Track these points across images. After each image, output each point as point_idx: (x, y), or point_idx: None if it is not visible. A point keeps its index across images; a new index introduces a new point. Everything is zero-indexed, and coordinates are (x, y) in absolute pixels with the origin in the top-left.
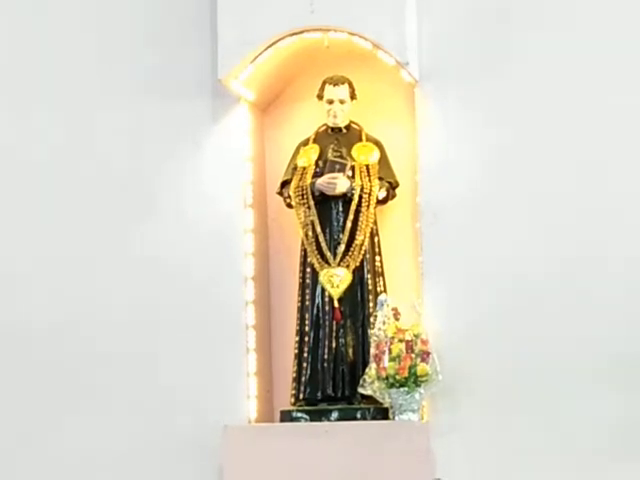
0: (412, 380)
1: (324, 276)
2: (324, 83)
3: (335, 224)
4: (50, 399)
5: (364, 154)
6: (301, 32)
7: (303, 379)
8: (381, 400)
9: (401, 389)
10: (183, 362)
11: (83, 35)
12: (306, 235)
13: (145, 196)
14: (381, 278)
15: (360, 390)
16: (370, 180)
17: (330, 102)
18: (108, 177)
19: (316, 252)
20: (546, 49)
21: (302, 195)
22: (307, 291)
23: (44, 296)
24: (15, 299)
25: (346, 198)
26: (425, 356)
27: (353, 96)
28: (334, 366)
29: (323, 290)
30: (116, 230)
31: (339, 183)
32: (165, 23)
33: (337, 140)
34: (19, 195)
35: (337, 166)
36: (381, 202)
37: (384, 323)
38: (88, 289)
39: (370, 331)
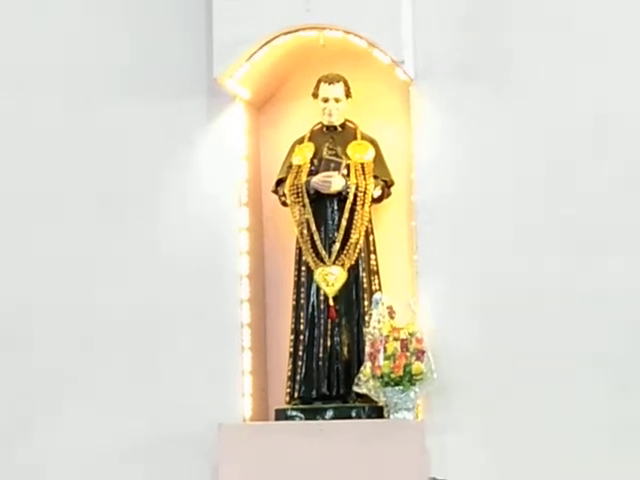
0: (407, 379)
1: (319, 274)
2: (319, 81)
3: (330, 222)
4: (46, 397)
5: (359, 152)
6: (296, 31)
7: (298, 377)
8: (376, 399)
9: (396, 388)
10: (178, 360)
11: (79, 35)
12: (301, 233)
13: (140, 195)
14: (376, 277)
15: (355, 389)
16: (365, 178)
17: (325, 100)
18: (104, 176)
19: (311, 250)
20: (541, 48)
21: (297, 193)
22: (302, 289)
23: (42, 294)
24: (13, 295)
25: (341, 196)
26: (420, 355)
27: (348, 94)
28: (329, 365)
29: (318, 288)
30: (111, 229)
31: (334, 181)
32: (160, 22)
33: (332, 138)
34: (17, 195)
35: (332, 164)
36: (376, 200)
37: (379, 322)
38: (85, 288)
39: (365, 330)
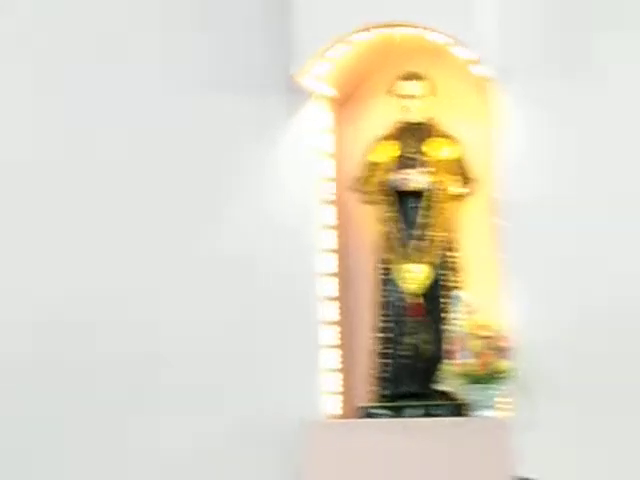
0: (490, 376)
1: (401, 272)
2: (399, 78)
3: (410, 220)
4: (127, 397)
5: (439, 150)
6: (374, 27)
7: (381, 375)
8: (459, 396)
9: (479, 385)
10: (260, 358)
11: (154, 32)
12: (382, 231)
13: (218, 193)
14: (459, 274)
15: (438, 386)
16: (445, 176)
17: (405, 97)
18: (184, 174)
19: (392, 248)
20: (629, 47)
21: (377, 191)
22: (384, 287)
23: (119, 293)
24: (87, 295)
25: (421, 194)
26: (504, 352)
27: (428, 92)
28: (412, 362)
29: (400, 286)
30: (193, 227)
31: (413, 179)
32: (239, 18)
33: (412, 136)
34: (97, 196)
35: (412, 162)
36: (457, 198)
37: (462, 319)
38: (165, 285)
39: (448, 327)
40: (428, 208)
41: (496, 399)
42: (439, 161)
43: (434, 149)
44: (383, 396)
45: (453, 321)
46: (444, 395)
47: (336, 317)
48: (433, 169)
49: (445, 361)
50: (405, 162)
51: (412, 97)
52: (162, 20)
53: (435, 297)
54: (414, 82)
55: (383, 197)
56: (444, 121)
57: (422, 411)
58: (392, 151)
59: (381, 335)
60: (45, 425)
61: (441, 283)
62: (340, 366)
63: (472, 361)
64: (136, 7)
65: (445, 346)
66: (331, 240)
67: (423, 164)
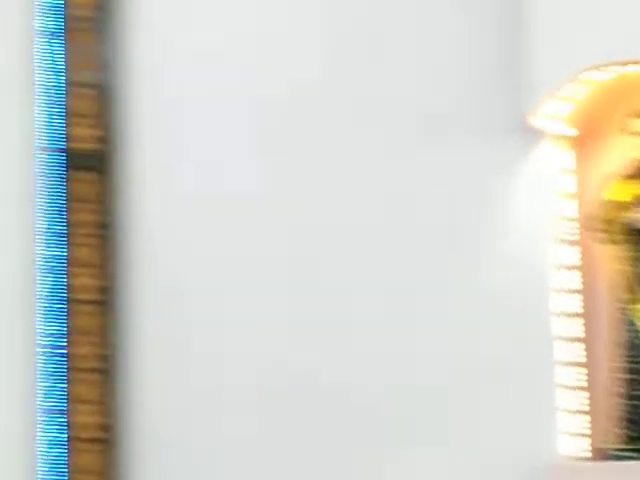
0: None
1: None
2: (631, 116)
3: None
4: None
5: None
6: (610, 65)
7: (625, 416)
8: None
9: None
10: (493, 398)
11: (395, 72)
12: (621, 270)
13: (458, 234)
14: None
15: None
16: None
17: (637, 135)
18: (418, 216)
19: (632, 287)
20: None
21: (615, 230)
22: (624, 327)
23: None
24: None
25: None
26: None
27: None
28: None
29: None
30: (431, 268)
31: None
32: (471, 60)
33: None
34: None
35: None
36: None
37: None
38: (403, 328)
39: None
40: None
41: None
42: None
43: None
44: (627, 438)
45: None
46: None
47: (580, 358)
48: None
49: None
50: None
51: None
52: (383, 65)
53: None
54: None
55: (622, 236)
56: None
57: None
58: (631, 189)
59: (624, 376)
60: None
61: None
62: (583, 407)
63: None
64: (348, 44)
65: None
66: (573, 280)
67: None
